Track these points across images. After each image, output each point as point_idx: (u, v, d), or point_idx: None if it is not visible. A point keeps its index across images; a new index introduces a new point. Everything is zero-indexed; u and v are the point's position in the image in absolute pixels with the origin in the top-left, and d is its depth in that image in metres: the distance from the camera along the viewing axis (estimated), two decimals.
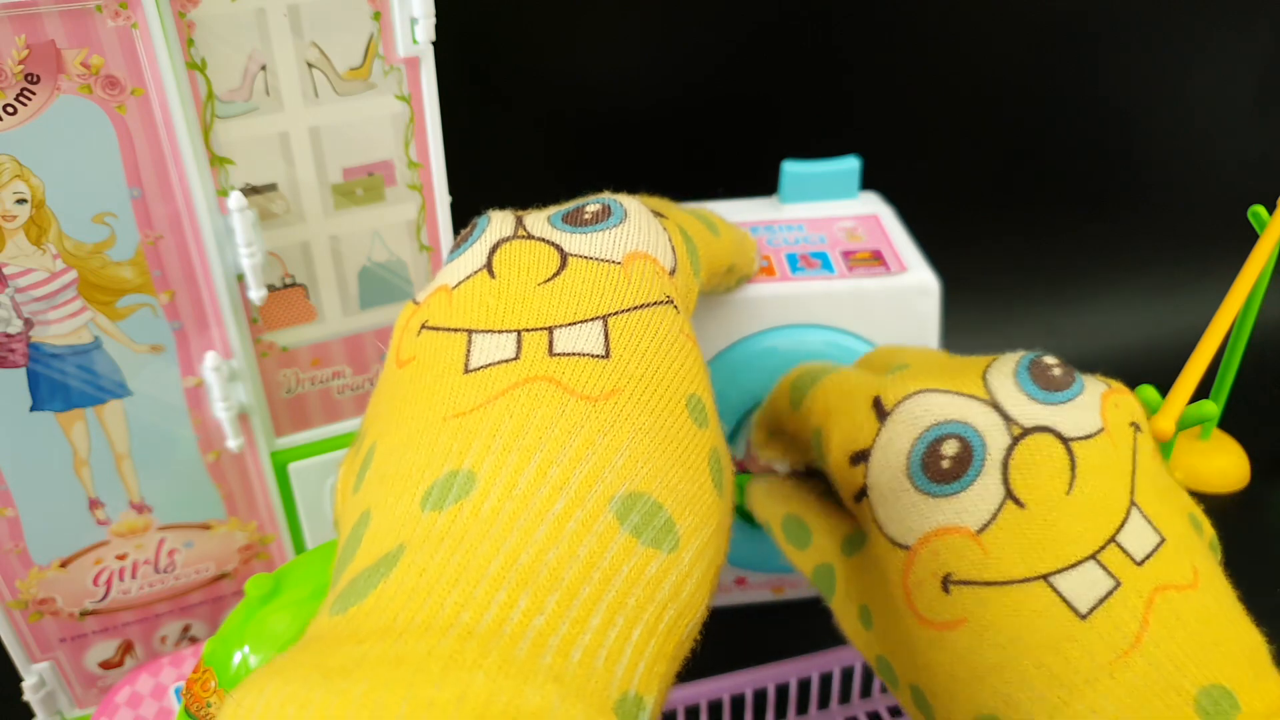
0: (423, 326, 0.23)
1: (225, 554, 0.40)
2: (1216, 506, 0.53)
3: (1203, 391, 0.34)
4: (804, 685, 0.41)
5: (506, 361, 0.21)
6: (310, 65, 0.34)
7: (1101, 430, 0.25)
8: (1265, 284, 0.46)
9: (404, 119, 0.36)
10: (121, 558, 0.38)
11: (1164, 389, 0.31)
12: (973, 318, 0.64)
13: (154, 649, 0.40)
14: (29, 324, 0.33)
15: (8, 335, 0.32)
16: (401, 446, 0.21)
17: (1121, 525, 0.23)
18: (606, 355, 0.21)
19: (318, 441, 0.39)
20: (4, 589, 0.36)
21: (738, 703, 0.41)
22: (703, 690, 0.38)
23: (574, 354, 0.21)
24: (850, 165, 0.46)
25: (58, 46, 0.29)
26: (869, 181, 0.47)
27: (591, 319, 0.22)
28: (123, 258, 0.33)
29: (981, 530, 0.24)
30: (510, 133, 0.56)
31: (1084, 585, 0.23)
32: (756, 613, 0.47)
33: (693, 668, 0.39)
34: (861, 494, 0.26)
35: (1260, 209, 0.43)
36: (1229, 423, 0.54)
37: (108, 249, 0.33)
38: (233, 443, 0.37)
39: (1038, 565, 0.23)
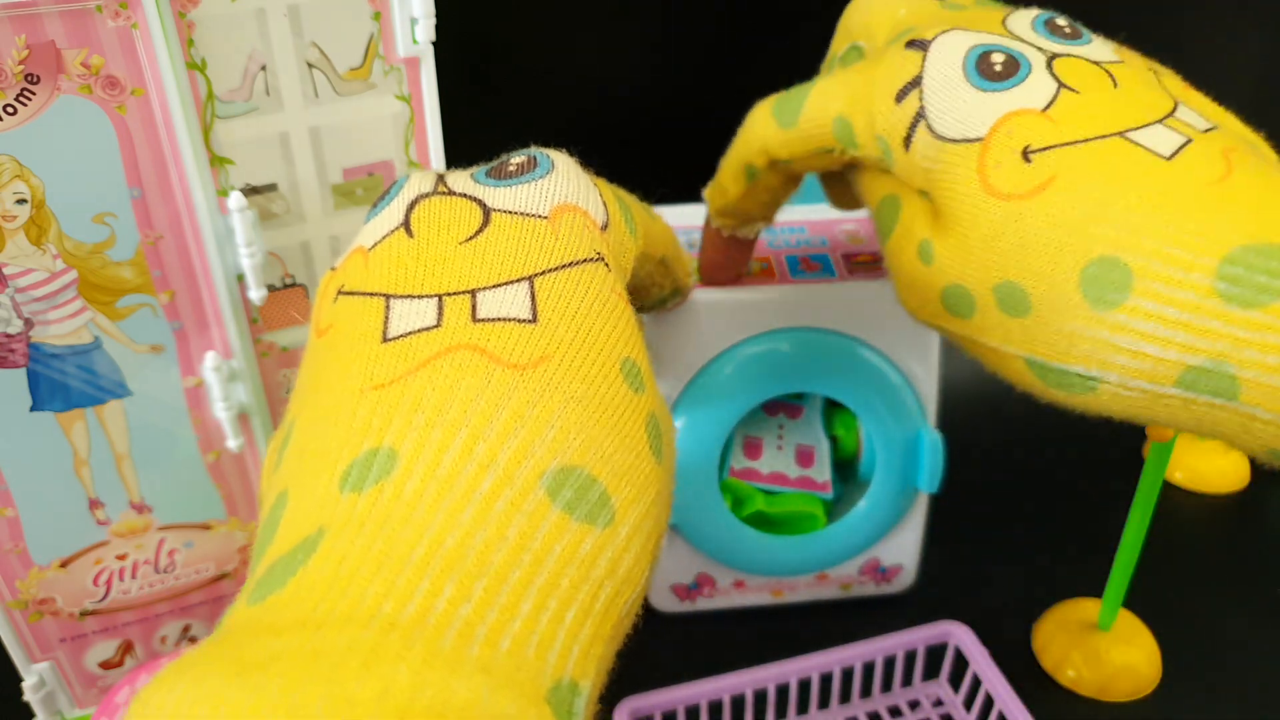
0: (339, 292, 0.22)
1: (225, 554, 0.40)
2: (1216, 506, 0.53)
3: None
4: (804, 685, 0.41)
5: (427, 330, 0.20)
6: (310, 65, 0.34)
7: (1120, 61, 0.27)
8: None
9: (404, 119, 0.36)
10: (121, 558, 0.38)
11: None
12: None
13: (154, 649, 0.40)
14: (29, 324, 0.33)
15: (8, 335, 0.32)
16: (319, 421, 0.20)
17: (1173, 110, 0.25)
18: (534, 320, 0.20)
19: None
20: (4, 589, 0.36)
21: (738, 703, 0.41)
22: (703, 690, 0.38)
23: (499, 319, 0.20)
24: None
25: (58, 46, 0.29)
26: None
27: (517, 280, 0.21)
28: (123, 258, 0.33)
29: (1047, 108, 0.25)
30: (510, 133, 0.56)
31: (1159, 138, 0.24)
32: (756, 614, 0.47)
33: (692, 669, 0.39)
34: (916, 121, 0.27)
35: None
36: None
37: (108, 249, 0.33)
38: (233, 443, 0.37)
39: (1110, 126, 0.24)
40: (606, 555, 0.18)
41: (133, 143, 0.32)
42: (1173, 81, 0.28)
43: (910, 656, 0.42)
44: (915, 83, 0.27)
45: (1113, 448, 0.56)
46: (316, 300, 0.24)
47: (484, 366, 0.19)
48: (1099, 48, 0.28)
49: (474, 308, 0.20)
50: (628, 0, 0.54)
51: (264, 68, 0.33)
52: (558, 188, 0.24)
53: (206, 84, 0.32)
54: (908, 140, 0.27)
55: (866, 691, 0.42)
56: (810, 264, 0.42)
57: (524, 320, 0.20)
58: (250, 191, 0.34)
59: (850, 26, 0.35)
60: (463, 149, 0.39)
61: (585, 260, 0.22)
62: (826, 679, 0.42)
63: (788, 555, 0.44)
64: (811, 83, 0.32)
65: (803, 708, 0.41)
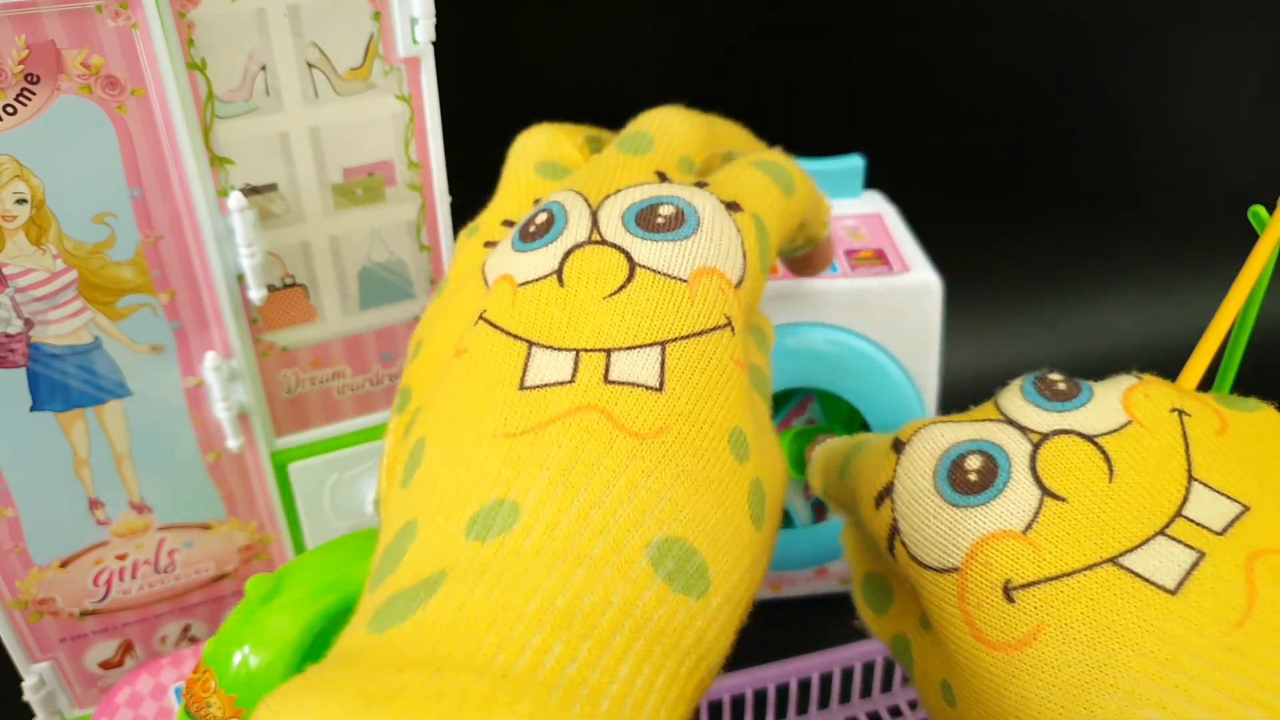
0: (481, 316, 0.23)
1: (225, 554, 0.40)
2: None
3: (1203, 391, 0.34)
4: (804, 685, 0.41)
5: (562, 384, 0.21)
6: (310, 65, 0.34)
7: (1129, 423, 0.23)
8: (1265, 284, 0.46)
9: (404, 119, 0.36)
10: (121, 558, 0.38)
11: None
12: (974, 317, 0.64)
13: (154, 649, 0.40)
14: (29, 324, 0.33)
15: (8, 335, 0.32)
16: (452, 460, 0.21)
17: (1184, 502, 0.22)
18: (660, 388, 0.21)
19: (318, 441, 0.39)
20: (4, 589, 0.36)
21: (738, 703, 0.41)
22: None
23: (628, 383, 0.21)
24: (853, 164, 0.46)
25: (58, 46, 0.29)
26: (872, 181, 0.47)
27: (650, 344, 0.22)
28: (123, 258, 0.33)
29: (1028, 529, 0.22)
30: (510, 133, 0.56)
31: (1160, 560, 0.20)
32: (757, 611, 0.47)
33: None
34: (893, 533, 0.25)
35: (1260, 209, 0.43)
36: None
37: (108, 249, 0.33)
38: (233, 443, 0.37)
39: (1099, 551, 0.21)
40: (697, 625, 0.19)
41: (133, 143, 0.32)
42: (1202, 419, 0.24)
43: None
44: (888, 491, 0.25)
45: None
46: (458, 265, 0.25)
47: (608, 432, 0.20)
48: (1100, 407, 0.24)
49: (608, 368, 0.21)
50: (628, 0, 0.54)
51: (264, 68, 0.33)
52: (701, 249, 0.24)
53: (206, 84, 0.32)
54: (890, 550, 0.25)
55: (866, 691, 0.42)
56: None
57: (651, 388, 0.21)
58: (250, 191, 0.34)
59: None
60: (463, 149, 0.39)
61: (714, 328, 0.23)
62: (826, 679, 0.42)
63: (788, 550, 0.44)
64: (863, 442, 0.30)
65: (802, 708, 0.41)
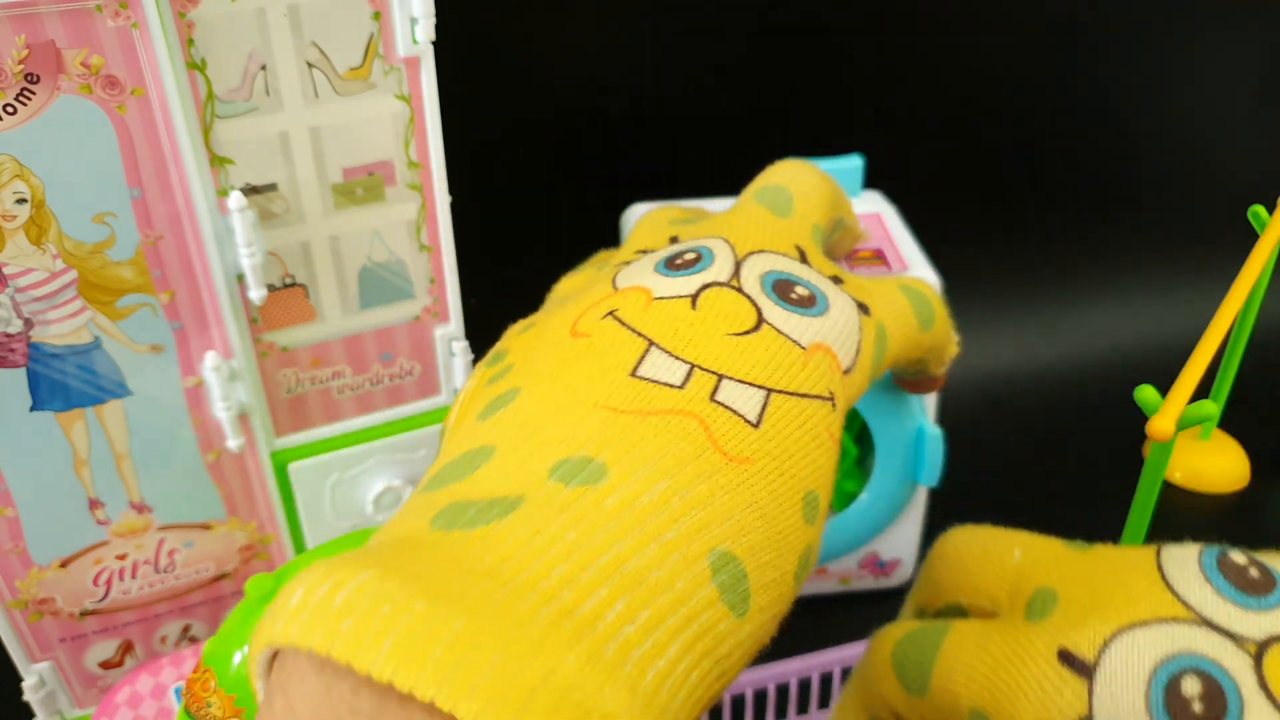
0: (611, 313, 0.24)
1: (225, 554, 0.40)
2: (1216, 506, 0.53)
3: (1203, 391, 0.34)
4: (804, 685, 0.41)
5: (671, 386, 0.22)
6: (310, 65, 0.34)
7: None
8: (1265, 284, 0.46)
9: (404, 119, 0.36)
10: (121, 558, 0.38)
11: (1164, 389, 0.31)
12: (974, 317, 0.64)
13: (154, 649, 0.40)
14: (29, 324, 0.33)
15: (8, 335, 0.32)
16: (549, 408, 0.21)
17: None
18: (757, 425, 0.22)
19: (318, 441, 0.39)
20: (4, 589, 0.36)
21: (738, 703, 0.41)
22: None
23: (731, 409, 0.22)
24: (853, 164, 0.46)
25: (58, 46, 0.29)
26: (871, 180, 0.47)
27: (759, 385, 0.22)
28: (123, 258, 0.33)
29: None
30: (510, 133, 0.56)
31: None
32: None
33: None
34: None
35: (1260, 209, 0.43)
36: (1229, 423, 0.54)
37: (108, 249, 0.33)
38: (233, 443, 0.37)
39: None
40: (730, 641, 0.19)
41: (133, 143, 0.32)
42: None
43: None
44: None
45: (1113, 447, 0.56)
46: (569, 289, 0.26)
47: (702, 441, 0.21)
48: None
49: (716, 388, 0.22)
50: (629, 1, 0.54)
51: (264, 68, 0.33)
52: (823, 328, 0.25)
53: (206, 84, 0.32)
54: None
55: None
56: None
57: (749, 421, 0.22)
58: (250, 191, 0.34)
59: (947, 578, 0.29)
60: (463, 149, 0.39)
61: (818, 397, 0.23)
62: (826, 678, 0.42)
63: None
64: (940, 634, 0.26)
65: (803, 707, 0.41)
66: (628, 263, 0.27)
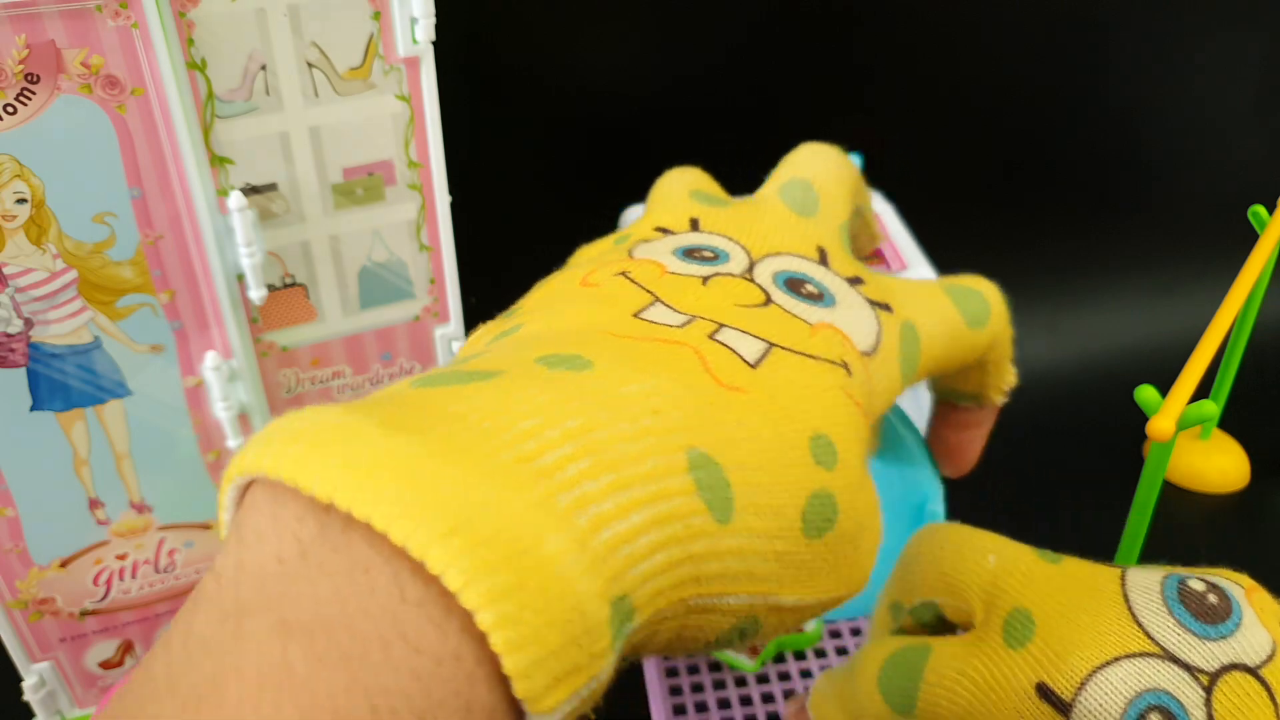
0: (623, 273, 0.24)
1: None
2: (1216, 506, 0.53)
3: (1203, 391, 0.34)
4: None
5: (670, 326, 0.22)
6: (310, 65, 0.34)
7: (1276, 646, 0.23)
8: (1265, 284, 0.46)
9: (404, 119, 0.36)
10: (121, 558, 0.38)
11: (1164, 389, 0.31)
12: None
13: None
14: (29, 324, 0.33)
15: (8, 335, 0.32)
16: (546, 332, 0.21)
17: None
18: (754, 366, 0.22)
19: None
20: (4, 589, 0.36)
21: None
22: None
23: (729, 347, 0.22)
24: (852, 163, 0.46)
25: (58, 46, 0.29)
26: (870, 180, 0.47)
27: (760, 338, 0.23)
28: (123, 257, 0.33)
29: None
30: (510, 133, 0.56)
31: None
32: None
33: None
34: None
35: (1260, 209, 0.43)
36: (1229, 423, 0.54)
37: (108, 249, 0.33)
38: (233, 443, 0.37)
39: None
40: (706, 542, 0.18)
41: (133, 142, 0.32)
42: None
43: None
44: None
45: (1112, 447, 0.56)
46: (593, 251, 0.26)
47: (695, 366, 0.21)
48: (1248, 624, 0.24)
49: (715, 332, 0.22)
50: (628, 1, 0.54)
51: (264, 67, 0.33)
52: (830, 314, 0.25)
53: (206, 84, 0.32)
54: None
55: None
56: None
57: (747, 361, 0.22)
58: (250, 191, 0.34)
59: (922, 577, 0.29)
60: (463, 149, 0.39)
61: (826, 360, 0.23)
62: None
63: None
64: (921, 656, 0.27)
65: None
66: (646, 240, 0.27)
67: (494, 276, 0.46)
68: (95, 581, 0.38)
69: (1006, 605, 0.26)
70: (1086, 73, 0.61)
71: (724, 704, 0.42)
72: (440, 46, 0.34)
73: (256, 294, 0.35)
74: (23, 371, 0.33)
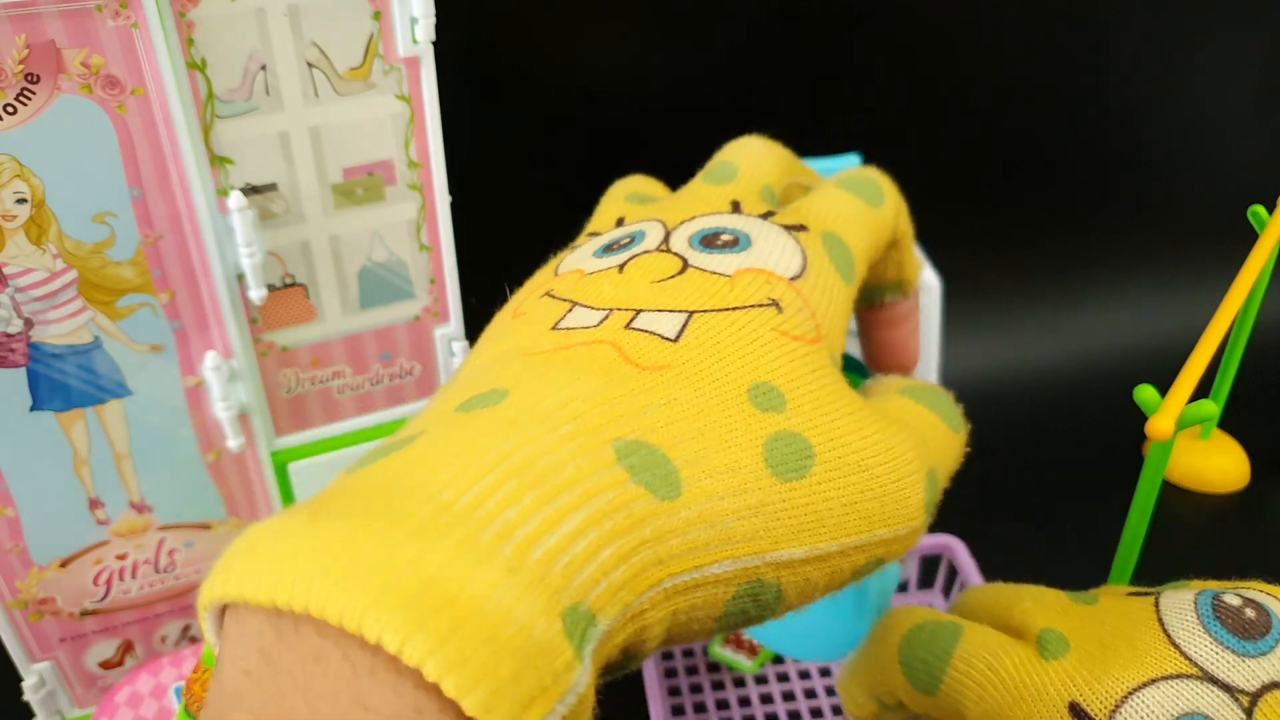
0: (547, 293, 0.25)
1: None
2: (1216, 506, 0.53)
3: (1203, 391, 0.34)
4: None
5: (587, 328, 0.23)
6: (310, 65, 0.34)
7: None
8: (1265, 284, 0.46)
9: (404, 119, 0.36)
10: (121, 558, 0.38)
11: (1164, 389, 0.31)
12: (973, 317, 0.64)
13: (154, 649, 0.40)
14: (29, 324, 0.33)
15: (8, 335, 0.32)
16: (467, 377, 0.22)
17: None
18: (675, 340, 0.22)
19: (318, 441, 0.39)
20: (4, 589, 0.36)
21: None
22: None
23: (647, 331, 0.22)
24: (852, 164, 0.46)
25: (58, 46, 0.29)
26: None
27: (679, 310, 0.23)
28: (123, 257, 0.33)
29: None
30: (510, 133, 0.56)
31: None
32: None
33: None
34: None
35: (1260, 209, 0.43)
36: (1229, 423, 0.54)
37: (108, 249, 0.33)
38: (233, 443, 0.37)
39: None
40: (657, 523, 0.19)
41: (133, 142, 0.32)
42: None
43: None
44: None
45: (1112, 447, 0.56)
46: (522, 290, 0.27)
47: (612, 358, 0.21)
48: None
49: (632, 320, 0.23)
50: (628, 1, 0.54)
51: (264, 68, 0.33)
52: (749, 258, 0.25)
53: (206, 84, 0.32)
54: None
55: None
56: None
57: (666, 338, 0.22)
58: (250, 191, 0.34)
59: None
60: (463, 149, 0.39)
61: (753, 306, 0.23)
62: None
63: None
64: (951, 638, 0.27)
65: None
66: (575, 248, 0.27)
67: (494, 276, 0.46)
68: (95, 581, 0.38)
69: (1040, 625, 0.26)
70: (1086, 73, 0.61)
71: (722, 705, 0.42)
72: (440, 46, 0.34)
73: (256, 294, 0.35)
74: (23, 371, 0.33)
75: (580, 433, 0.19)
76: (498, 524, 0.17)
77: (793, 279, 0.25)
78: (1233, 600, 0.24)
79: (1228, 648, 0.23)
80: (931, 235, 0.45)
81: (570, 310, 0.24)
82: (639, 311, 0.23)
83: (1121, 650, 0.24)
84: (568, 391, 0.20)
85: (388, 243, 0.37)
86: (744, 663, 0.42)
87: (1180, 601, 0.24)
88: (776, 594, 0.21)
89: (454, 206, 0.38)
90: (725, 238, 0.26)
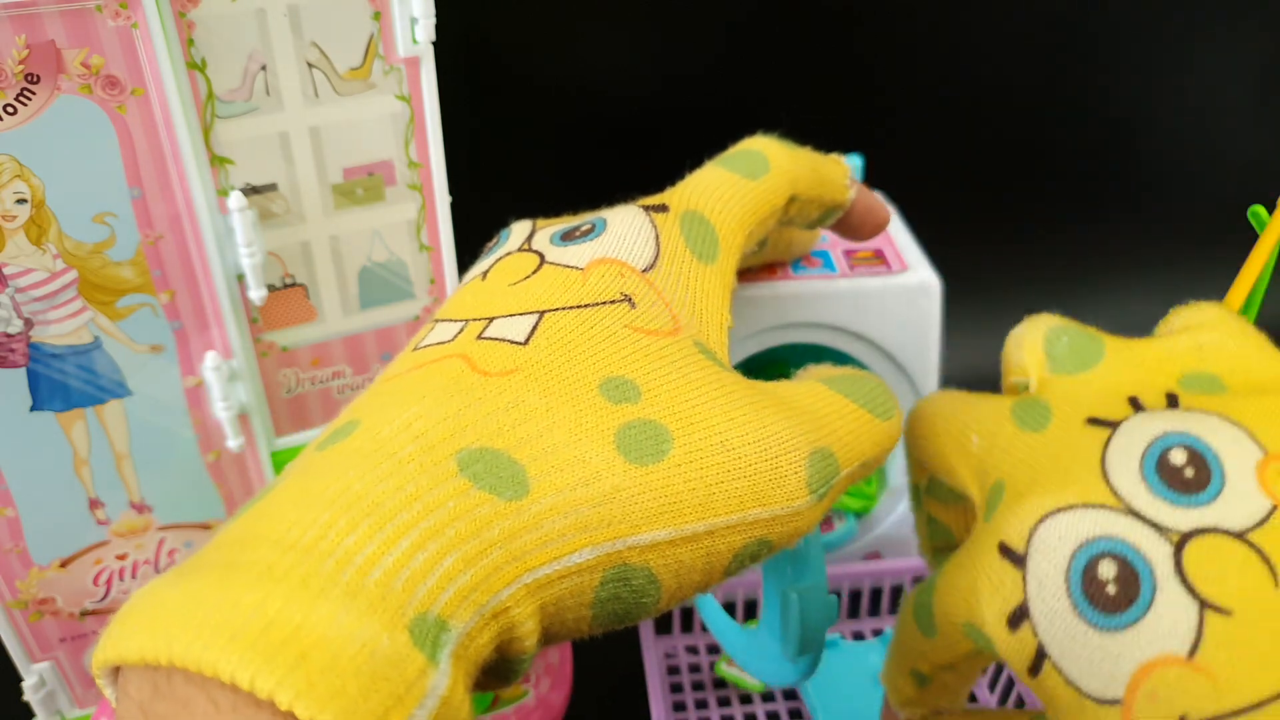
0: (435, 319, 0.26)
1: None
2: None
3: None
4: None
5: (442, 343, 0.23)
6: (310, 65, 0.34)
7: (1275, 509, 0.21)
8: (1265, 284, 0.46)
9: (404, 119, 0.36)
10: (122, 558, 0.38)
11: None
12: (973, 317, 0.64)
13: None
14: (29, 324, 0.33)
15: (8, 335, 0.32)
16: (340, 418, 0.23)
17: None
18: (525, 343, 0.23)
19: None
20: (4, 589, 0.36)
21: None
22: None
23: (497, 339, 0.23)
24: (853, 164, 0.46)
25: (58, 46, 0.29)
26: (871, 180, 0.47)
27: (530, 313, 0.24)
28: (123, 258, 0.33)
29: (1194, 653, 0.20)
30: (510, 133, 0.56)
31: None
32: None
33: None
34: (1039, 658, 0.22)
35: (1260, 209, 0.43)
36: None
37: (108, 249, 0.33)
38: (233, 443, 0.37)
39: None
40: (505, 523, 0.19)
41: (133, 143, 0.32)
42: None
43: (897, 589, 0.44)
44: (1023, 612, 0.22)
45: None
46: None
47: (460, 370, 0.22)
48: (1237, 492, 0.21)
49: (484, 330, 0.23)
50: (628, 1, 0.54)
51: (264, 68, 0.33)
52: (601, 246, 0.26)
53: (206, 84, 0.32)
54: (1035, 671, 0.23)
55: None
56: (811, 260, 0.42)
57: (516, 342, 0.23)
58: (250, 191, 0.34)
59: (921, 459, 0.29)
60: (463, 149, 0.39)
61: (604, 302, 0.24)
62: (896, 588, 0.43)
63: None
64: (937, 575, 0.27)
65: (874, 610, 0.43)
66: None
67: None
68: (95, 581, 0.38)
69: (990, 481, 0.25)
70: (1087, 72, 0.61)
71: (723, 701, 0.42)
72: (440, 46, 0.34)
73: (256, 294, 0.35)
74: (23, 371, 0.33)
75: (421, 451, 0.20)
76: (338, 554, 0.17)
77: (645, 270, 0.25)
78: (1178, 458, 0.23)
79: (1159, 496, 0.22)
80: (931, 234, 0.45)
81: (433, 328, 0.24)
82: (492, 319, 0.24)
83: (1052, 482, 0.23)
84: (411, 412, 0.21)
85: (388, 243, 0.37)
86: (751, 683, 0.42)
87: (1131, 445, 0.23)
88: (648, 579, 0.21)
89: (454, 206, 0.38)
90: (583, 228, 0.27)
